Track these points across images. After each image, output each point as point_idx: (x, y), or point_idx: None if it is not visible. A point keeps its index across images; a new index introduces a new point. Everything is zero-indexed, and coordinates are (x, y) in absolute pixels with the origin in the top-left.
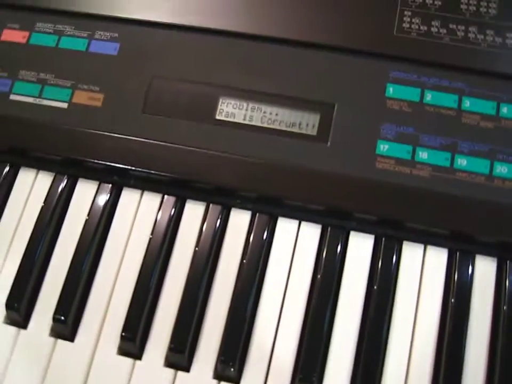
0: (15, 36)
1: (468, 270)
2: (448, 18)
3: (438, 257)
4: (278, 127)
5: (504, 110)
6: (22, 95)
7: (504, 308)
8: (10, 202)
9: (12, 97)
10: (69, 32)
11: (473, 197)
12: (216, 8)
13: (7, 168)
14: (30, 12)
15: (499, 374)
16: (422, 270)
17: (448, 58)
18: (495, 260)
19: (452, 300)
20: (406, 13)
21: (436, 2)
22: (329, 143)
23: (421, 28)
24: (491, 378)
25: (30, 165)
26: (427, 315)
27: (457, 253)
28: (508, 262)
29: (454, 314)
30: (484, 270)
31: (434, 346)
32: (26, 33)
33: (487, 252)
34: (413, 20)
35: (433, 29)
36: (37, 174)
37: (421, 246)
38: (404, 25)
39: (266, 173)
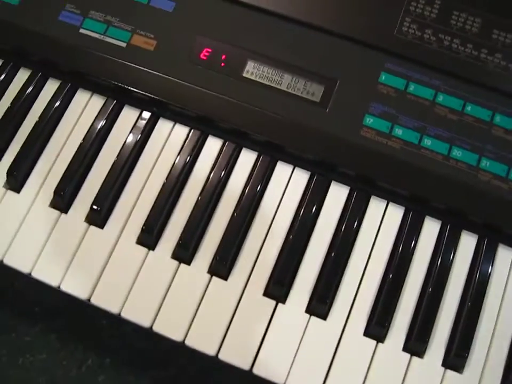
0: None
1: (417, 227)
2: (439, 29)
3: (395, 213)
4: (290, 91)
5: (469, 108)
6: (90, 30)
7: (439, 260)
8: (64, 118)
9: (81, 31)
10: None
11: (431, 170)
12: None
13: (67, 87)
14: None
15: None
16: (382, 220)
17: (432, 60)
18: (439, 222)
19: (400, 248)
20: (406, 19)
21: (431, 15)
22: (327, 110)
23: (416, 33)
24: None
25: (87, 88)
26: (377, 258)
27: (411, 213)
28: (449, 225)
29: (399, 257)
30: (429, 229)
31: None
32: None
33: (435, 215)
34: (411, 26)
35: (425, 36)
36: (91, 96)
37: (384, 202)
38: (403, 28)
39: (275, 124)
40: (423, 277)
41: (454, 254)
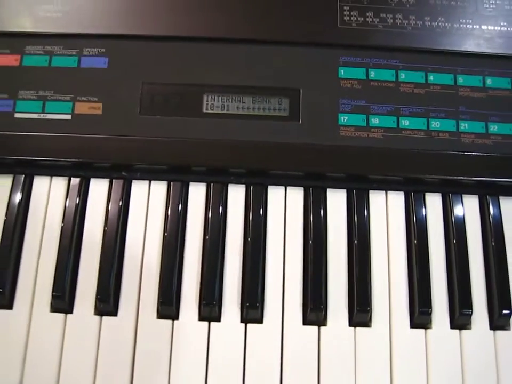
0: (7, 60)
1: (422, 205)
2: (379, 9)
3: (397, 199)
4: (256, 113)
5: (431, 77)
6: (26, 112)
7: (454, 230)
8: (31, 213)
9: (17, 115)
10: (58, 52)
11: (417, 148)
12: (189, 17)
13: (22, 179)
14: (17, 37)
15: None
16: (387, 210)
17: (383, 41)
18: (440, 194)
19: (414, 229)
20: (345, 7)
21: None
22: (300, 121)
23: (359, 19)
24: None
25: (44, 173)
26: (396, 248)
27: (412, 194)
28: (450, 195)
29: (417, 240)
30: (433, 204)
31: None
32: (18, 57)
33: (434, 190)
34: (352, 13)
35: (368, 19)
36: (51, 180)
37: (383, 193)
38: (345, 18)
39: (253, 151)
40: (444, 252)
41: (464, 220)
